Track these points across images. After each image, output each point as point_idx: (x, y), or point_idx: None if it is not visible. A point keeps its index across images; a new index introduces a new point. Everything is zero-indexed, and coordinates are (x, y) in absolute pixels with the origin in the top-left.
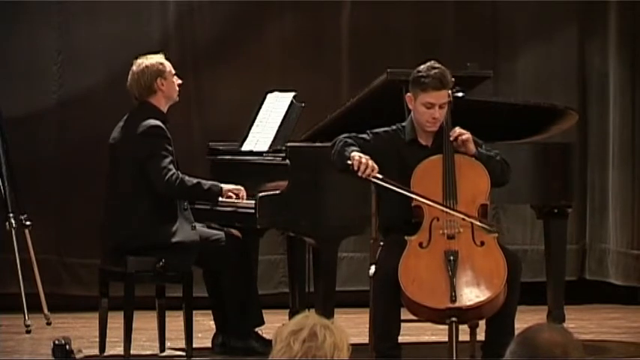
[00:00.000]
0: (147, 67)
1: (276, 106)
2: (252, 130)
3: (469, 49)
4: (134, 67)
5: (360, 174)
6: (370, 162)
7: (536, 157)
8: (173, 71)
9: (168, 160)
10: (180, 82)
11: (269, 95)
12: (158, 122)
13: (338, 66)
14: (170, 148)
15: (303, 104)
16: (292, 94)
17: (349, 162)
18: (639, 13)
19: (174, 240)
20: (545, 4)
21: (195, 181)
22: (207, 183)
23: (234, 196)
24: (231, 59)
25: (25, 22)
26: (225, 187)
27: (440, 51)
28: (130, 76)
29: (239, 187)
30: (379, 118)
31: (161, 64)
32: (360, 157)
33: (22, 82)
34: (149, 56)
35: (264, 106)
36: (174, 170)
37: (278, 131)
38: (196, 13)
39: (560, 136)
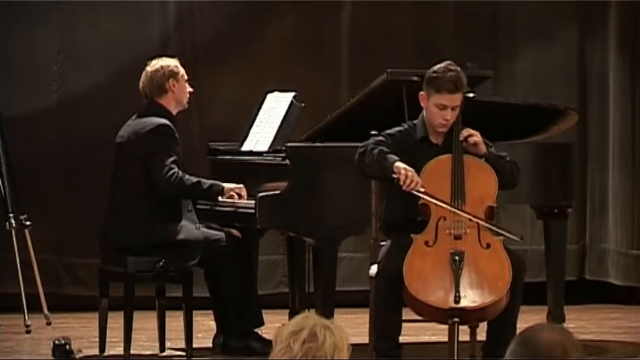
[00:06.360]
0: (161, 67)
1: (276, 106)
2: (252, 130)
3: (469, 49)
4: (148, 67)
5: (404, 188)
6: (415, 176)
7: (536, 157)
8: (186, 77)
9: (172, 159)
10: (191, 89)
11: (269, 95)
12: (168, 122)
13: (338, 66)
14: (177, 148)
15: (303, 104)
16: (292, 94)
17: (395, 175)
18: (639, 13)
19: (177, 238)
20: (545, 4)
21: (194, 179)
22: (207, 182)
23: (236, 196)
24: (231, 59)
25: (25, 22)
26: (227, 186)
27: (439, 51)
28: (143, 76)
29: (240, 185)
30: (379, 118)
31: (175, 66)
32: (406, 169)
33: (22, 82)
34: (164, 58)
35: (264, 106)
36: (176, 169)
37: (278, 131)
38: (196, 13)
39: (560, 136)
